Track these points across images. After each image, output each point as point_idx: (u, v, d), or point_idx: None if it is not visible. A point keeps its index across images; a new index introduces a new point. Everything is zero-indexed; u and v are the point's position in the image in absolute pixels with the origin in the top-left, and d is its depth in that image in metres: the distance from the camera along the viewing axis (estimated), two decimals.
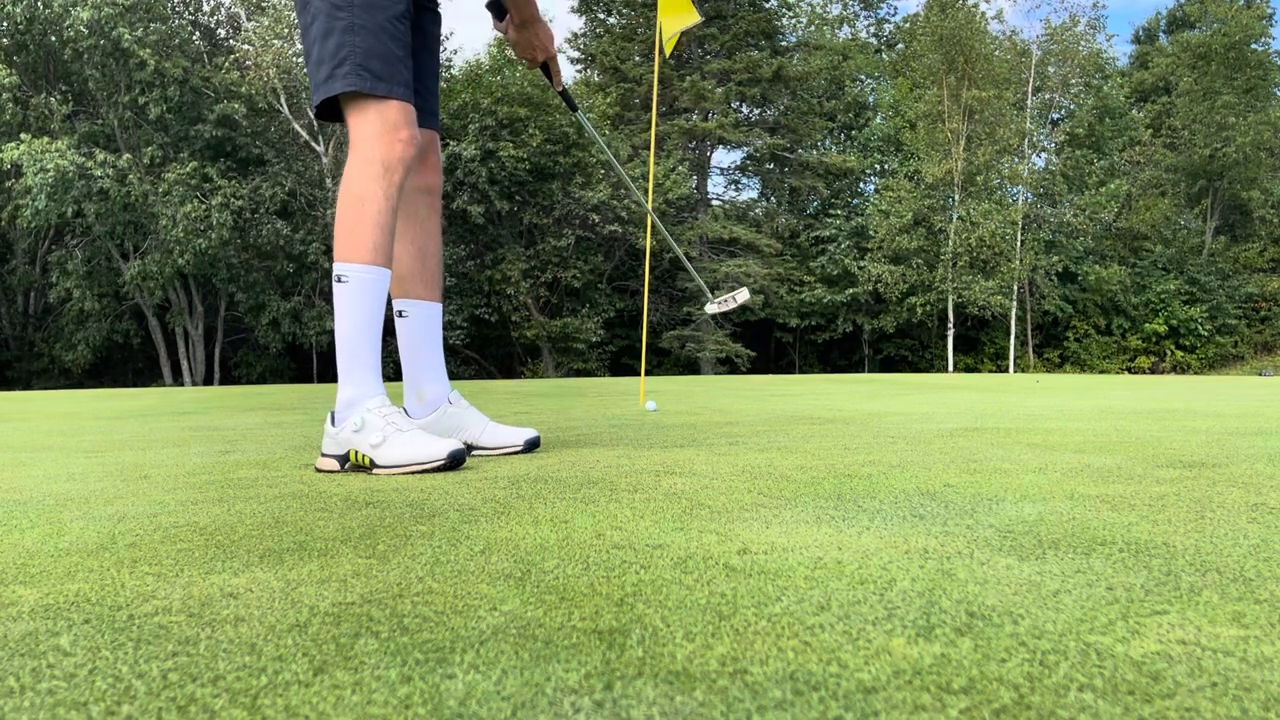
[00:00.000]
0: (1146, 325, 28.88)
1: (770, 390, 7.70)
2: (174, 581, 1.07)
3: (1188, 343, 28.93)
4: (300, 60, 25.68)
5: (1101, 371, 27.76)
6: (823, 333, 30.24)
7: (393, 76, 2.14)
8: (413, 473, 2.01)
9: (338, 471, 2.09)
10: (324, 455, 2.14)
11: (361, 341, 2.12)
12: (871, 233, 28.29)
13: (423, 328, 2.44)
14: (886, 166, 31.43)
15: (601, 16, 32.71)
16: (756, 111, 32.49)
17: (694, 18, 5.31)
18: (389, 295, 2.21)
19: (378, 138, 2.12)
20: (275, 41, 24.54)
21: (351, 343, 2.12)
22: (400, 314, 2.42)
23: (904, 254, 27.72)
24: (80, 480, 2.05)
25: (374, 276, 2.12)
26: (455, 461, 2.05)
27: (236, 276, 24.20)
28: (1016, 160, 28.58)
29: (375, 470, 2.05)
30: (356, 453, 2.08)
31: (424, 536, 1.31)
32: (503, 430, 2.44)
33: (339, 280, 2.12)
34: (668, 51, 5.37)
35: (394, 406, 2.14)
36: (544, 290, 27.59)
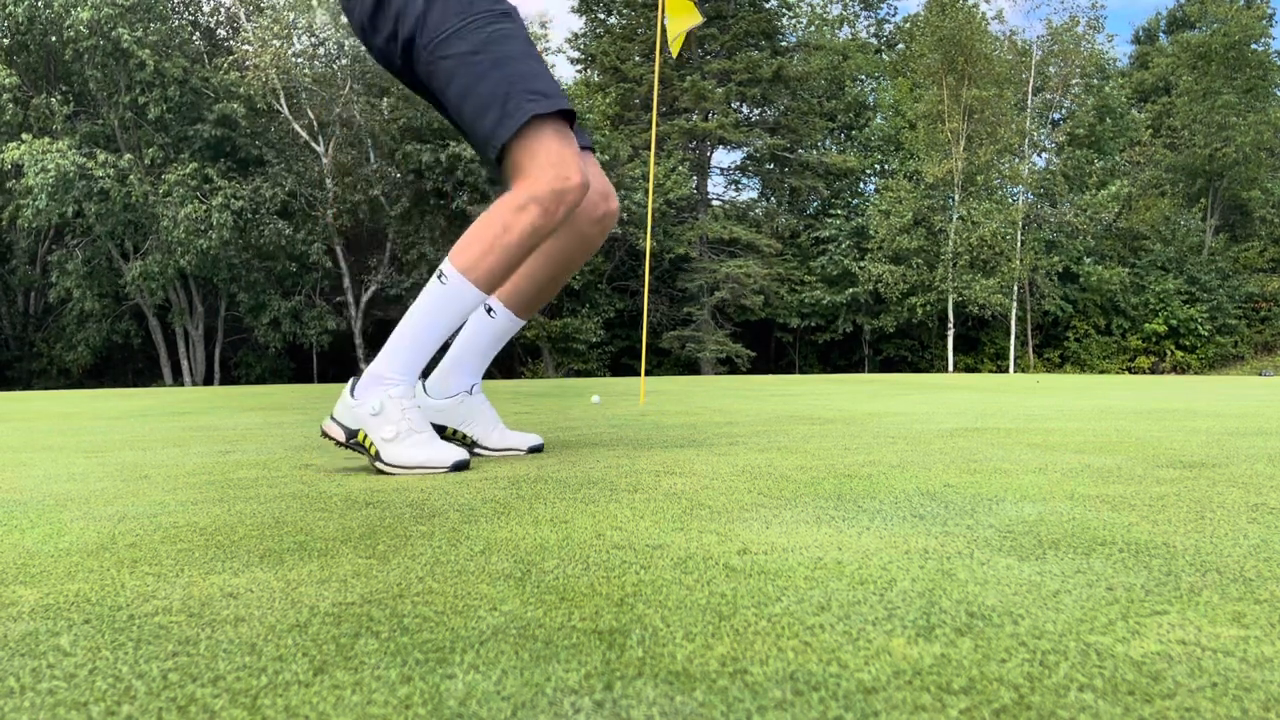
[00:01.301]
0: (1146, 325, 28.88)
1: (770, 390, 7.70)
2: (174, 581, 1.07)
3: (1188, 343, 28.93)
4: (300, 60, 25.71)
5: (1101, 371, 27.76)
6: (823, 333, 30.23)
7: (556, 90, 2.09)
8: (417, 472, 2.03)
9: (340, 444, 2.10)
10: (334, 420, 2.11)
11: (422, 338, 2.12)
12: (871, 233, 28.29)
13: (496, 336, 2.46)
14: (886, 166, 31.43)
15: (601, 16, 32.70)
16: (756, 111, 32.49)
17: (697, 18, 5.32)
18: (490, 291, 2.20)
19: (551, 169, 2.06)
20: (274, 42, 24.54)
21: (415, 332, 2.12)
22: (489, 311, 2.42)
23: (904, 254, 27.72)
24: (80, 480, 2.05)
25: (471, 296, 2.12)
26: (458, 470, 2.06)
27: (237, 276, 24.21)
28: (1017, 160, 28.58)
29: (377, 464, 2.05)
30: (366, 436, 2.06)
31: (424, 536, 1.31)
32: (510, 435, 2.43)
33: (441, 277, 2.12)
34: (675, 52, 5.38)
35: (414, 403, 2.13)
36: None
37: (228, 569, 1.13)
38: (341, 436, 2.09)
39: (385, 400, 2.06)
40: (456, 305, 2.12)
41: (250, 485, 1.89)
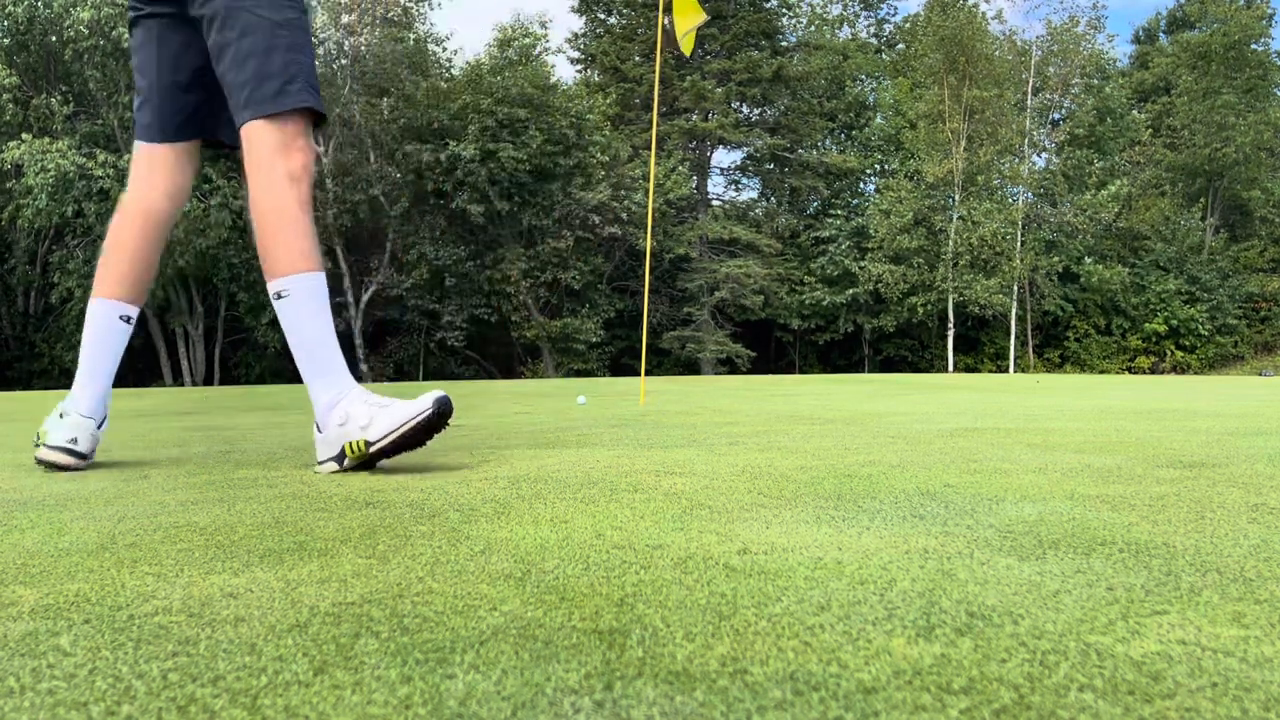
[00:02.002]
0: (1146, 325, 28.88)
1: (770, 390, 7.70)
2: (174, 581, 1.07)
3: (1188, 343, 28.93)
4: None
5: (1101, 371, 27.77)
6: (823, 333, 30.24)
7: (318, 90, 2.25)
8: (409, 433, 2.01)
9: (340, 471, 2.08)
10: (320, 463, 2.11)
11: (319, 349, 2.12)
12: (872, 233, 28.29)
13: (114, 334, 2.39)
14: (887, 166, 31.43)
15: (601, 16, 32.72)
16: (757, 111, 32.49)
17: (702, 15, 5.33)
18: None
19: (309, 151, 2.18)
20: None
21: (312, 348, 2.12)
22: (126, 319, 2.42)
23: (904, 254, 27.72)
24: (80, 480, 2.05)
25: (316, 282, 2.13)
26: (442, 406, 2.03)
27: (237, 276, 24.22)
28: (1017, 160, 28.58)
29: (372, 448, 2.03)
30: (350, 444, 2.05)
31: (424, 536, 1.31)
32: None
33: (280, 297, 2.11)
34: (688, 51, 5.38)
35: (362, 388, 2.12)
36: (544, 290, 27.59)
37: (228, 569, 1.13)
38: (337, 465, 2.09)
39: (345, 409, 2.07)
40: (316, 300, 2.13)
41: (250, 485, 1.89)
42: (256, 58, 2.13)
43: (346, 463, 2.07)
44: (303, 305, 2.11)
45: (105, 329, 2.34)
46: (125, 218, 2.38)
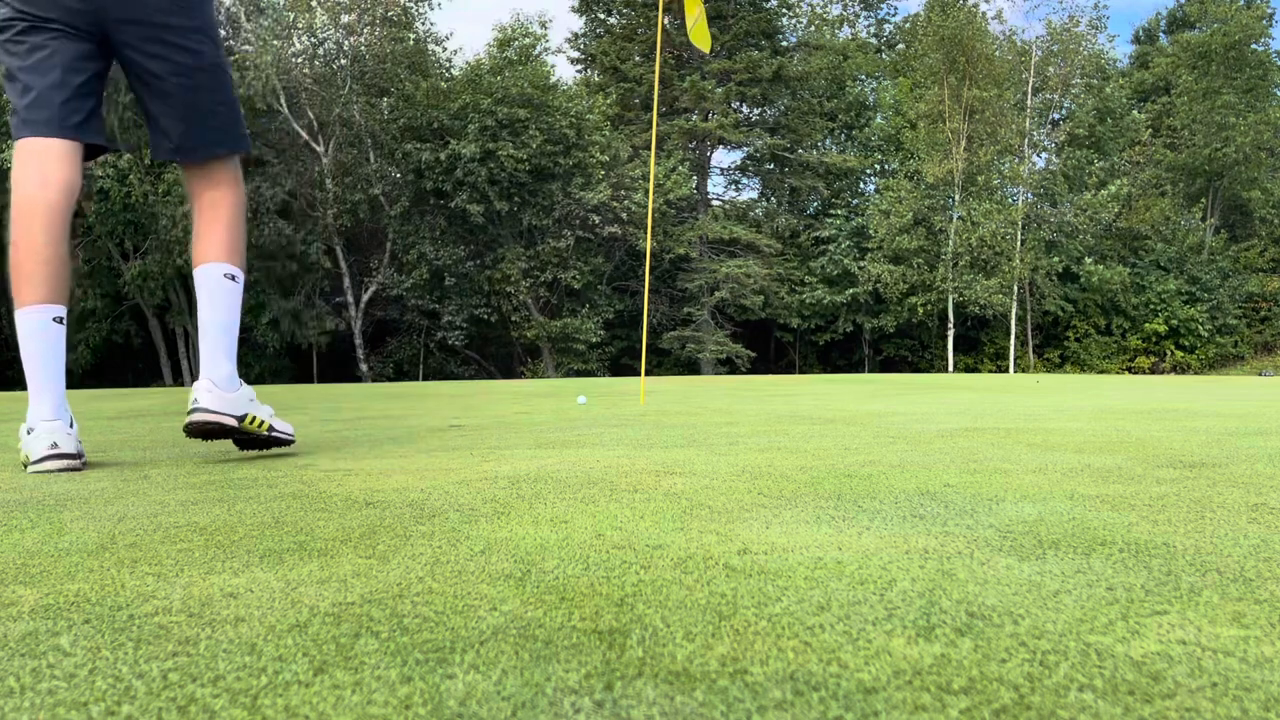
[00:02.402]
0: (1146, 325, 28.88)
1: (770, 390, 7.70)
2: (174, 581, 1.07)
3: (1188, 343, 28.93)
4: (299, 60, 25.73)
5: (1101, 371, 27.76)
6: (823, 333, 30.24)
7: None
8: (283, 441, 2.53)
9: (232, 429, 2.39)
10: (214, 412, 2.37)
11: (235, 332, 2.54)
12: (872, 233, 28.29)
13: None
14: (887, 166, 31.43)
15: (601, 16, 32.72)
16: (756, 111, 32.49)
17: (698, 4, 5.32)
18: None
19: (240, 184, 2.66)
20: (275, 42, 24.55)
21: (232, 331, 2.52)
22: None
23: (904, 254, 27.72)
24: (80, 480, 2.05)
25: (243, 284, 2.62)
26: (289, 440, 2.58)
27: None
28: (1017, 160, 28.58)
29: (274, 434, 2.49)
30: (254, 418, 2.43)
31: (424, 536, 1.31)
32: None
33: (233, 280, 2.54)
34: (706, 47, 5.36)
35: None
36: (544, 290, 27.60)
37: (228, 569, 1.13)
38: (234, 422, 2.39)
39: (250, 391, 2.49)
40: (239, 295, 2.59)
41: (250, 485, 1.89)
42: (227, 105, 2.57)
43: (238, 428, 2.39)
44: (239, 295, 2.55)
45: (42, 338, 2.36)
46: (27, 219, 2.37)
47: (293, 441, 2.60)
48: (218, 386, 2.39)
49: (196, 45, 2.46)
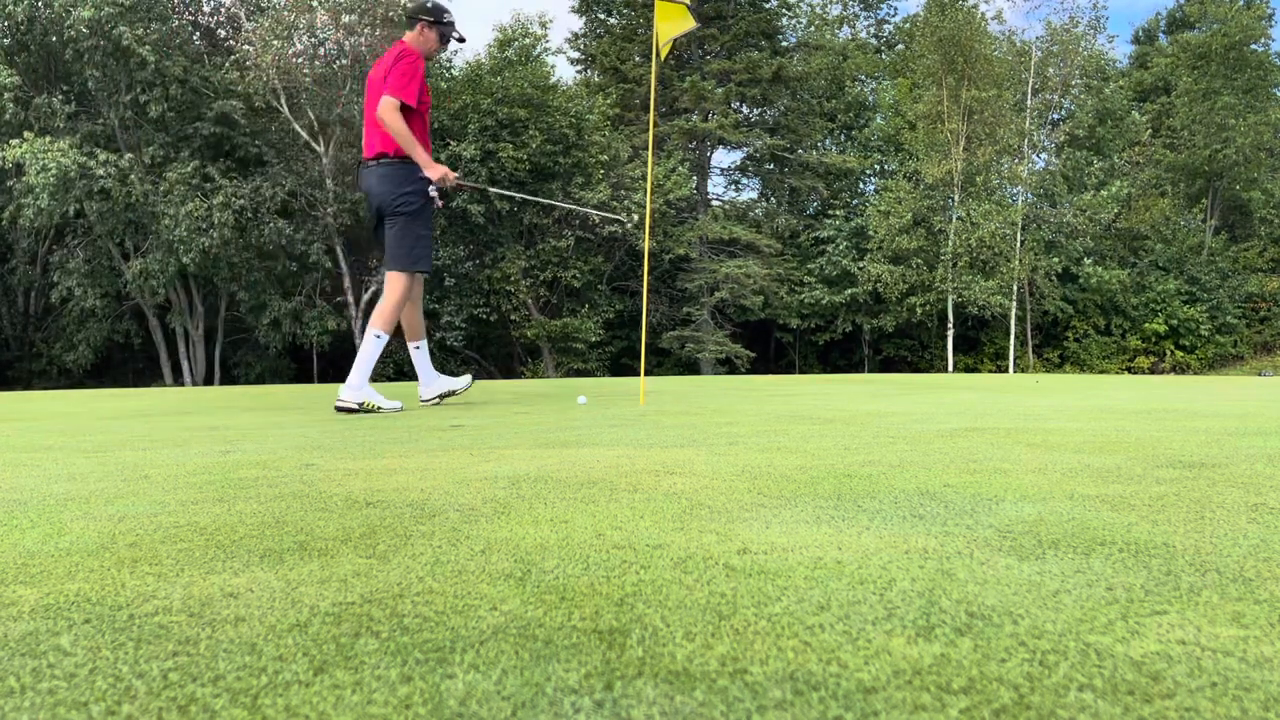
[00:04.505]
0: (1146, 325, 28.87)
1: (770, 390, 7.69)
2: (174, 581, 1.07)
3: (1187, 343, 28.92)
4: (299, 60, 25.75)
5: (1101, 371, 27.76)
6: (823, 333, 30.24)
7: (430, 259, 4.73)
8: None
9: (354, 410, 4.32)
10: (344, 400, 4.40)
11: (373, 362, 4.57)
12: (871, 233, 28.28)
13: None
14: (886, 167, 31.43)
15: (601, 16, 32.71)
16: (756, 112, 32.48)
17: (690, 23, 5.32)
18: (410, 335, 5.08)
19: (404, 296, 4.66)
20: (275, 42, 24.54)
21: (366, 360, 4.56)
22: (416, 348, 5.11)
23: (904, 254, 27.71)
24: (80, 480, 2.05)
25: (386, 339, 4.63)
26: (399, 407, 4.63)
27: (238, 276, 24.22)
28: (1016, 161, 28.58)
29: (382, 408, 4.42)
30: (370, 402, 4.41)
31: (424, 536, 1.31)
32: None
33: (377, 337, 4.57)
34: (663, 56, 5.41)
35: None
36: (544, 290, 27.59)
37: (228, 569, 1.13)
38: (355, 405, 4.36)
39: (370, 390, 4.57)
40: (379, 346, 4.59)
41: (250, 485, 1.89)
42: (399, 239, 4.64)
43: (361, 407, 4.37)
44: (379, 346, 4.56)
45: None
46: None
47: (401, 408, 4.50)
48: (349, 387, 4.47)
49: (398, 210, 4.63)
